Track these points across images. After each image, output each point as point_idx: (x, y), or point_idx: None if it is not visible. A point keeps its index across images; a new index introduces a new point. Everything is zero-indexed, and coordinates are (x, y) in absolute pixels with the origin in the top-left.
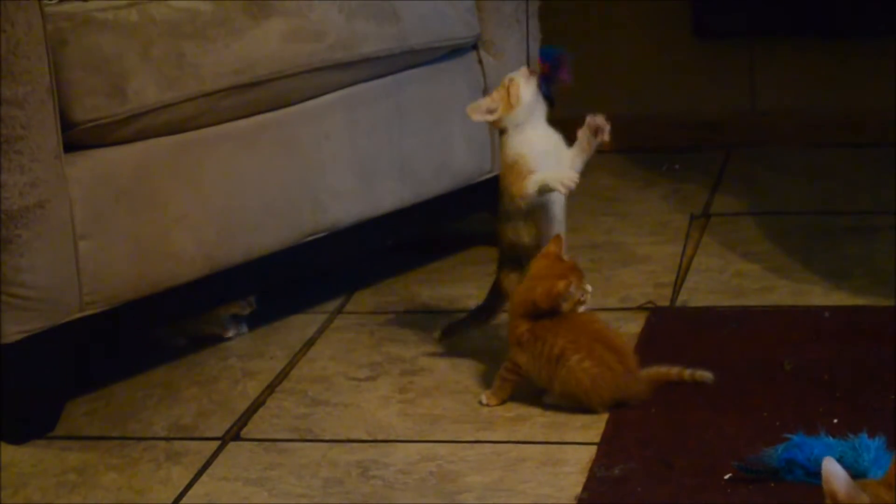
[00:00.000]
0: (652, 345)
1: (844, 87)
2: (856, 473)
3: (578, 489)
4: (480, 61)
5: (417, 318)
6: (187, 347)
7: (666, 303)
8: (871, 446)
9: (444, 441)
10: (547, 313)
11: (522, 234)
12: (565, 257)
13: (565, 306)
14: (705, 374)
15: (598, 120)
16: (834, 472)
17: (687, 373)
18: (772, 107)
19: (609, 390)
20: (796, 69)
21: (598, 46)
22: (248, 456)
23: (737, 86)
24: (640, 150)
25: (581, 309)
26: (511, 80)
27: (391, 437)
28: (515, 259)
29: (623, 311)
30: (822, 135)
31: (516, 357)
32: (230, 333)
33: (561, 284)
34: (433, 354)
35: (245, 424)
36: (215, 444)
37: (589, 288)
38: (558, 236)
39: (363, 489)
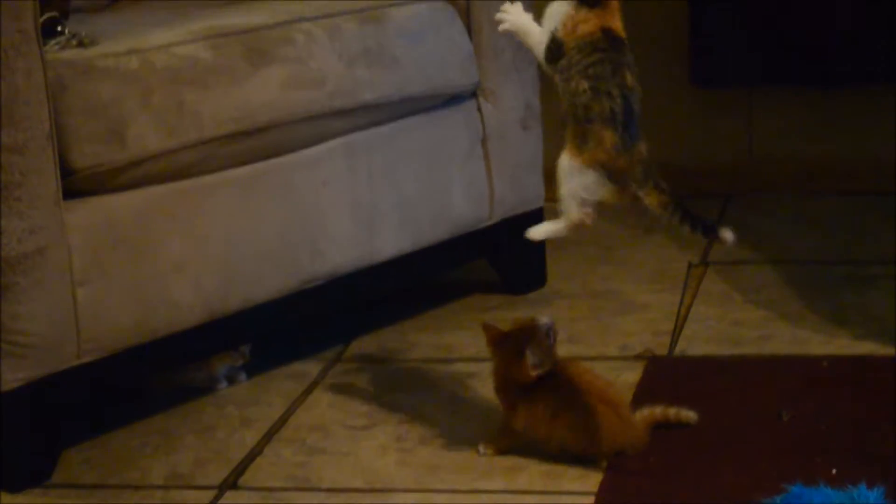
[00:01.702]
0: (650, 394)
1: (842, 136)
2: None
3: None
4: (479, 109)
5: (415, 367)
6: (185, 394)
7: (664, 351)
8: (870, 497)
9: (442, 490)
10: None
11: None
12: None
13: (544, 364)
14: (690, 415)
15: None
16: None
17: (672, 412)
18: (769, 155)
19: (606, 443)
20: (794, 117)
21: None
22: None
23: (734, 134)
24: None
25: (553, 340)
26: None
27: (389, 487)
28: None
29: (621, 360)
30: (819, 183)
31: (513, 423)
32: (222, 386)
33: (527, 358)
34: (431, 403)
35: (242, 473)
36: (212, 492)
37: (544, 322)
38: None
39: None
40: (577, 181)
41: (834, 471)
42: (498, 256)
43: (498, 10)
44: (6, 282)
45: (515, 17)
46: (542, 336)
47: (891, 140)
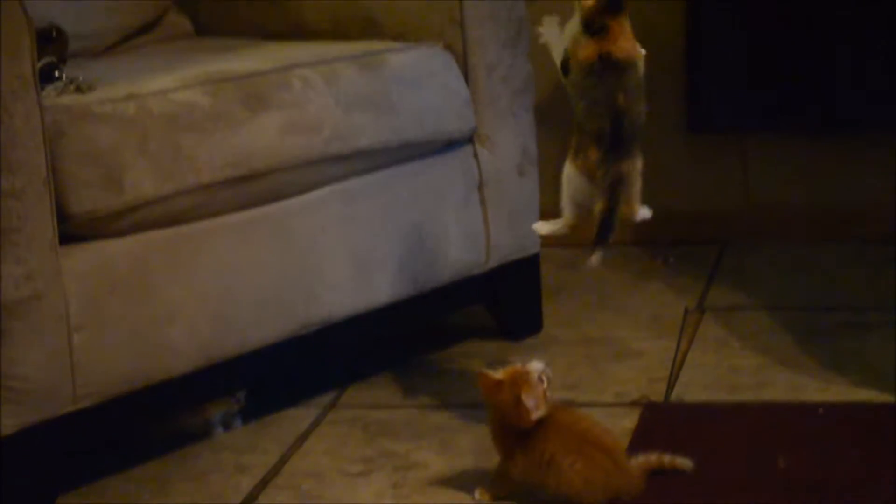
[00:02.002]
0: (646, 441)
1: (839, 182)
2: None
3: None
4: (476, 155)
5: (412, 413)
6: (180, 440)
7: (661, 398)
8: None
9: None
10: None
11: None
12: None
13: (540, 408)
14: (685, 463)
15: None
16: None
17: (667, 459)
18: (766, 201)
19: (601, 490)
20: (790, 163)
21: None
22: None
23: (731, 180)
24: (635, 244)
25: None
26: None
27: None
28: None
29: (618, 406)
30: (816, 229)
31: (509, 470)
32: (218, 431)
33: (525, 404)
34: (427, 449)
35: None
36: None
37: (537, 367)
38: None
39: None
40: (573, 185)
41: None
42: (494, 302)
43: (493, 56)
44: (2, 327)
45: (548, 32)
46: (536, 381)
47: (889, 186)
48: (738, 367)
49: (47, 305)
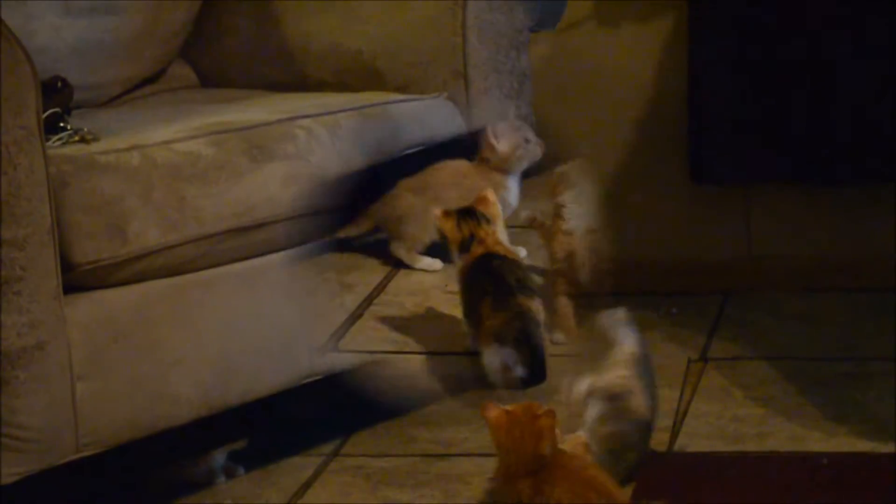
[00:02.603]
0: (650, 490)
1: (842, 233)
2: None
3: None
4: None
5: (414, 462)
6: (183, 489)
7: (663, 448)
8: None
9: None
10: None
11: None
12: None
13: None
14: None
15: None
16: None
17: None
18: (769, 252)
19: None
20: (793, 214)
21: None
22: None
23: (734, 231)
24: (637, 294)
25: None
26: None
27: None
28: None
29: None
30: (819, 280)
31: None
32: (220, 480)
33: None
34: (430, 498)
35: None
36: None
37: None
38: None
39: None
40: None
41: None
42: None
43: (497, 107)
44: (5, 376)
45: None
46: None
47: (891, 238)
48: (741, 417)
49: (50, 354)
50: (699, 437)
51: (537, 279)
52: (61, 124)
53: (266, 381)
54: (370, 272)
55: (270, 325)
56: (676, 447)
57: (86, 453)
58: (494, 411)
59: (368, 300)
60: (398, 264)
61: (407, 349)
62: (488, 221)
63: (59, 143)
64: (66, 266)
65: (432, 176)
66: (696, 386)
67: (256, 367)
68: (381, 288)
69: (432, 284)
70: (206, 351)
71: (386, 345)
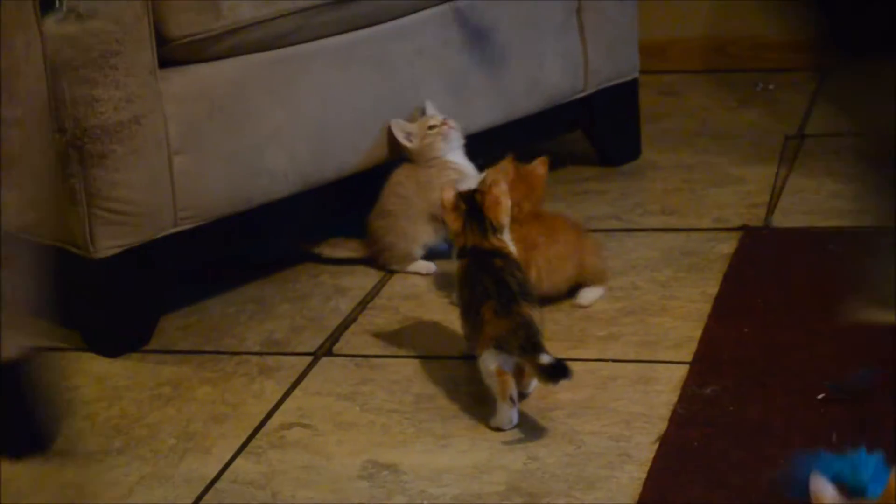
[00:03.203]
0: (746, 265)
1: None
2: None
3: (670, 408)
4: None
5: None
6: (278, 265)
7: (759, 223)
8: (869, 461)
9: None
10: None
11: None
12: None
13: None
14: None
15: None
16: (822, 488)
17: None
18: None
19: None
20: None
21: None
22: (340, 371)
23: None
24: (733, 70)
25: None
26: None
27: None
28: None
29: (716, 231)
30: None
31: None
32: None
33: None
34: None
35: (337, 341)
36: (308, 359)
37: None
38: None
39: (455, 404)
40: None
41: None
42: (592, 128)
43: None
44: (103, 150)
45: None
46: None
47: None
48: (837, 193)
49: (147, 129)
50: (796, 213)
51: None
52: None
53: (361, 156)
54: (364, 276)
55: (366, 99)
56: (773, 223)
57: (183, 227)
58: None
59: (363, 304)
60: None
61: (401, 353)
62: (496, 230)
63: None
64: (161, 40)
65: (389, 189)
66: (793, 162)
67: (352, 141)
68: (375, 292)
69: (427, 288)
70: (301, 125)
71: (379, 348)
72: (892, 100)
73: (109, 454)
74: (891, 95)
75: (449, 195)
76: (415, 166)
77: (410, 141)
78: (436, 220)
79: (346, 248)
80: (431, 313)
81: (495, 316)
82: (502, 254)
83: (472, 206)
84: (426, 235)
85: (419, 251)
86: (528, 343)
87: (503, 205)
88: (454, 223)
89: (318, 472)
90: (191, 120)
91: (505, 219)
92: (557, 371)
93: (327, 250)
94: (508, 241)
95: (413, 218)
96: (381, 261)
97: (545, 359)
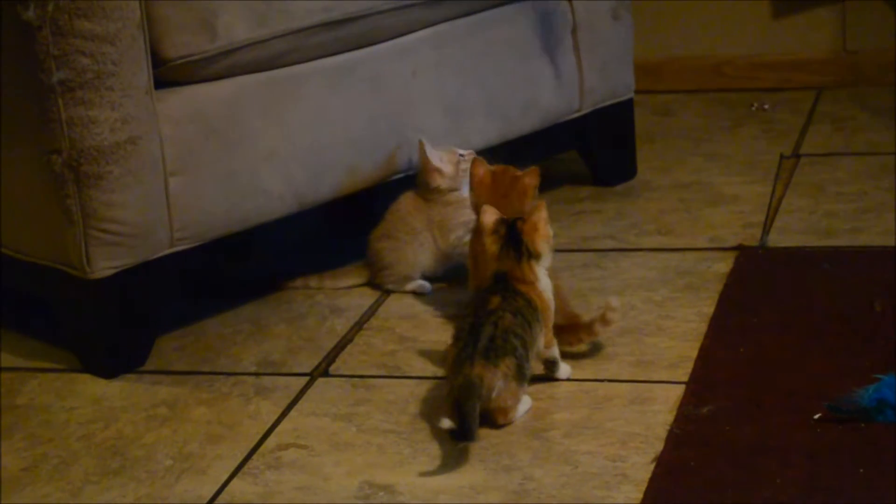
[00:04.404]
0: (742, 285)
1: None
2: None
3: (666, 428)
4: None
5: None
6: (274, 285)
7: (755, 243)
8: None
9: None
10: None
11: None
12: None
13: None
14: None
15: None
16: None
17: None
18: (863, 46)
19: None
20: (887, 8)
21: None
22: (337, 392)
23: (828, 25)
24: (729, 90)
25: None
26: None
27: None
28: None
29: (711, 250)
30: None
31: None
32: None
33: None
34: None
35: (333, 361)
36: (304, 379)
37: None
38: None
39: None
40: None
41: None
42: (588, 148)
43: None
44: (99, 171)
45: None
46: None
47: None
48: (833, 213)
49: (143, 149)
50: (791, 232)
51: None
52: None
53: (356, 176)
54: (360, 296)
55: (361, 119)
56: (768, 242)
57: (180, 247)
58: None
59: (359, 324)
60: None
61: (397, 373)
62: (531, 257)
63: None
64: (157, 61)
65: (395, 215)
66: (789, 181)
67: (347, 161)
68: (371, 312)
69: (423, 308)
70: (297, 146)
71: (376, 369)
72: None
73: (106, 475)
74: None
75: (490, 219)
76: (424, 198)
77: (441, 165)
78: (447, 256)
79: (350, 277)
80: (428, 333)
81: (452, 362)
82: (515, 290)
83: (512, 231)
84: (428, 264)
85: (418, 275)
86: (455, 406)
87: (541, 231)
88: (492, 246)
89: (314, 492)
90: (186, 141)
91: (543, 246)
92: (456, 435)
93: (329, 282)
94: (542, 272)
95: (419, 248)
96: (377, 279)
97: (445, 423)
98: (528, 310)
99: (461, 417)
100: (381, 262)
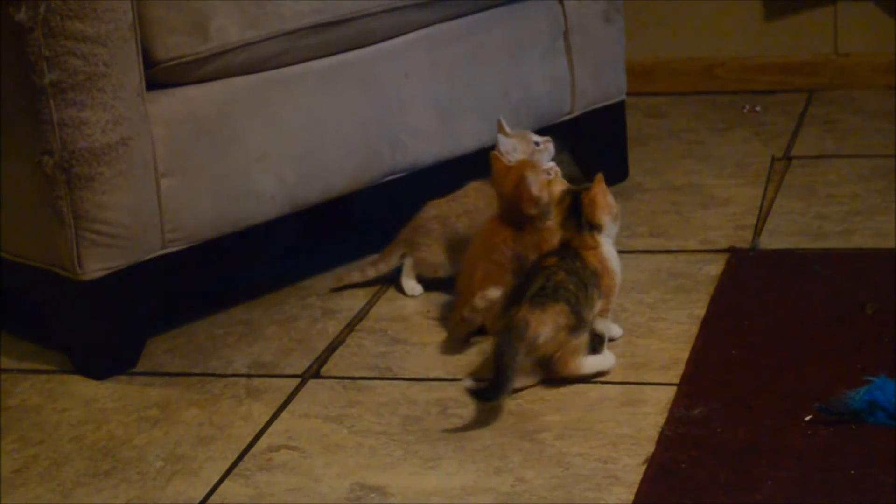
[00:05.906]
0: (733, 287)
1: None
2: None
3: (657, 430)
4: (561, 1)
5: None
6: (266, 287)
7: (746, 245)
8: None
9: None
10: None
11: None
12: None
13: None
14: None
15: None
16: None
17: None
18: (854, 49)
19: None
20: (879, 11)
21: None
22: (328, 393)
23: (819, 28)
24: (721, 93)
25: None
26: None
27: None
28: None
29: (703, 252)
30: None
31: None
32: None
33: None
34: None
35: (325, 363)
36: (295, 381)
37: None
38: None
39: (442, 426)
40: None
41: None
42: (579, 150)
43: None
44: (91, 172)
45: None
46: (541, 170)
47: None
48: (824, 215)
49: (134, 151)
50: (783, 235)
51: None
52: None
53: (348, 178)
54: (352, 298)
55: (352, 121)
56: (760, 244)
57: (171, 249)
58: (499, 162)
59: (350, 326)
60: (379, 291)
61: (389, 375)
62: (592, 228)
63: None
64: (149, 62)
65: (459, 201)
66: (780, 184)
67: (338, 163)
68: (362, 314)
69: (414, 310)
70: (288, 148)
71: (367, 371)
72: None
73: (97, 476)
74: None
75: (558, 189)
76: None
77: (510, 155)
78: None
79: (375, 267)
80: (419, 335)
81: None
82: (576, 254)
83: (576, 202)
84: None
85: (445, 266)
86: (495, 354)
87: (599, 204)
88: (557, 216)
89: (305, 494)
90: (178, 142)
91: (603, 217)
92: (482, 394)
93: (357, 275)
94: (607, 241)
95: (451, 248)
96: (407, 254)
97: (467, 382)
98: (584, 272)
99: (497, 367)
100: (417, 233)
